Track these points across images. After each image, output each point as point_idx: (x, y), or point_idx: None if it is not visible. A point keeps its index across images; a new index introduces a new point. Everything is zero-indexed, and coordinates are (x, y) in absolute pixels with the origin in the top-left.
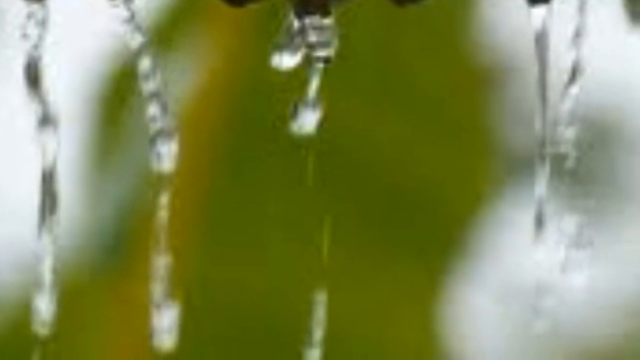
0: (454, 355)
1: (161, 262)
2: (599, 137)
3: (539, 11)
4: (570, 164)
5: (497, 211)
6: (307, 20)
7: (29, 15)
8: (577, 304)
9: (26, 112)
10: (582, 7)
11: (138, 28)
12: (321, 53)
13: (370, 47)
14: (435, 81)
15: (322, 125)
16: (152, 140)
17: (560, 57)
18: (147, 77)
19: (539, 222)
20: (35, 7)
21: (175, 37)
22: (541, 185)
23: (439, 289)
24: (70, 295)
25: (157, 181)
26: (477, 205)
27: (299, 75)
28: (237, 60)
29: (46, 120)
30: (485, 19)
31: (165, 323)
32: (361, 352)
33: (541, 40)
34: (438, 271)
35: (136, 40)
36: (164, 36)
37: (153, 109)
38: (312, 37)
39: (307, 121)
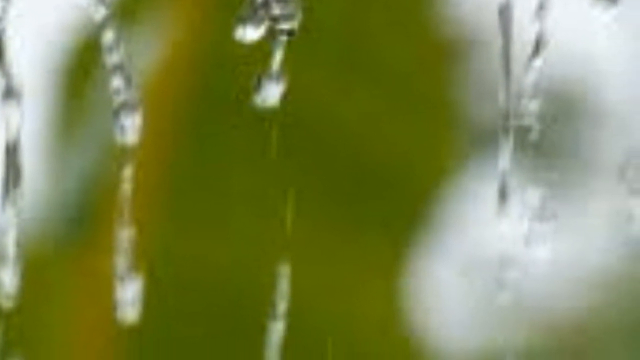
0: (418, 328)
1: (125, 235)
2: (562, 109)
3: None
4: (533, 136)
5: (461, 184)
6: None
7: None
8: (541, 277)
9: None
10: None
11: (102, 1)
12: (285, 26)
13: (335, 20)
14: (400, 54)
15: (286, 98)
16: (116, 113)
17: (524, 30)
18: (110, 49)
19: (503, 194)
20: None
21: (139, 10)
22: (505, 158)
23: (403, 262)
24: (34, 267)
25: (121, 154)
26: (441, 178)
27: (263, 48)
28: (201, 32)
29: (10, 92)
30: None
31: (129, 295)
32: (325, 325)
33: (505, 12)
34: (402, 244)
35: (100, 12)
36: (127, 9)
37: (117, 82)
38: (276, 10)
39: (271, 94)
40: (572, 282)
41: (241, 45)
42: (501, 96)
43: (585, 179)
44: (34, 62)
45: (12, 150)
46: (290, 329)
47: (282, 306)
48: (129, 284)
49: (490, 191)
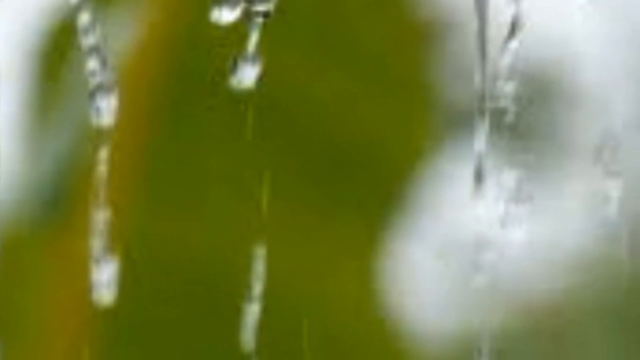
0: (394, 310)
1: (100, 217)
2: (538, 91)
3: None
4: (509, 118)
5: (436, 166)
6: None
7: None
8: (517, 259)
9: None
10: None
11: None
12: (260, 7)
13: (310, 1)
14: (375, 36)
15: (261, 80)
16: (92, 95)
17: (500, 12)
18: (86, 31)
19: (479, 176)
20: None
21: None
22: (480, 140)
23: (379, 244)
24: (9, 249)
25: (97, 135)
26: (417, 160)
27: (238, 30)
28: (177, 14)
29: None
30: None
31: (104, 278)
32: (300, 307)
33: None
34: (377, 226)
35: None
36: None
37: (92, 64)
38: None
39: (247, 76)
40: (548, 264)
41: (217, 27)
42: (477, 78)
43: (561, 161)
44: (9, 44)
45: None
46: (265, 311)
47: (257, 288)
48: (105, 266)
49: (466, 173)
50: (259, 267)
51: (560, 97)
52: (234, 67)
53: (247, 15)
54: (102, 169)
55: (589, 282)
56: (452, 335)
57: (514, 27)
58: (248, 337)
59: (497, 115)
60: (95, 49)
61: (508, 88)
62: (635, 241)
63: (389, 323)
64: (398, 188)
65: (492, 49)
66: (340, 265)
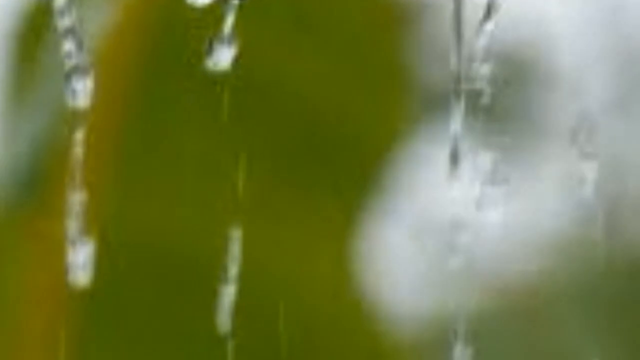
0: (370, 291)
1: (76, 199)
2: (514, 73)
3: None
4: (485, 100)
5: (412, 147)
6: None
7: None
8: (492, 240)
9: None
10: None
11: None
12: None
13: None
14: (351, 17)
15: (237, 61)
16: (67, 77)
17: None
18: (62, 13)
19: (454, 158)
20: None
21: None
22: (456, 122)
23: (354, 226)
24: None
25: (72, 117)
26: (393, 142)
27: (214, 12)
28: None
29: None
30: None
31: (80, 259)
32: (277, 289)
33: None
34: (353, 207)
35: None
36: None
37: (68, 46)
38: None
39: (223, 58)
40: (523, 245)
41: (193, 8)
42: (453, 60)
43: (536, 142)
44: None
45: None
46: (241, 293)
47: (233, 270)
48: (81, 248)
49: (441, 155)
50: (235, 249)
51: (536, 79)
52: (209, 49)
53: None
54: (77, 150)
55: (565, 263)
56: (428, 317)
57: (489, 9)
58: (224, 318)
59: (473, 97)
60: (71, 31)
61: (484, 70)
62: (611, 223)
63: (365, 304)
64: (374, 170)
65: (468, 30)
66: (316, 247)
